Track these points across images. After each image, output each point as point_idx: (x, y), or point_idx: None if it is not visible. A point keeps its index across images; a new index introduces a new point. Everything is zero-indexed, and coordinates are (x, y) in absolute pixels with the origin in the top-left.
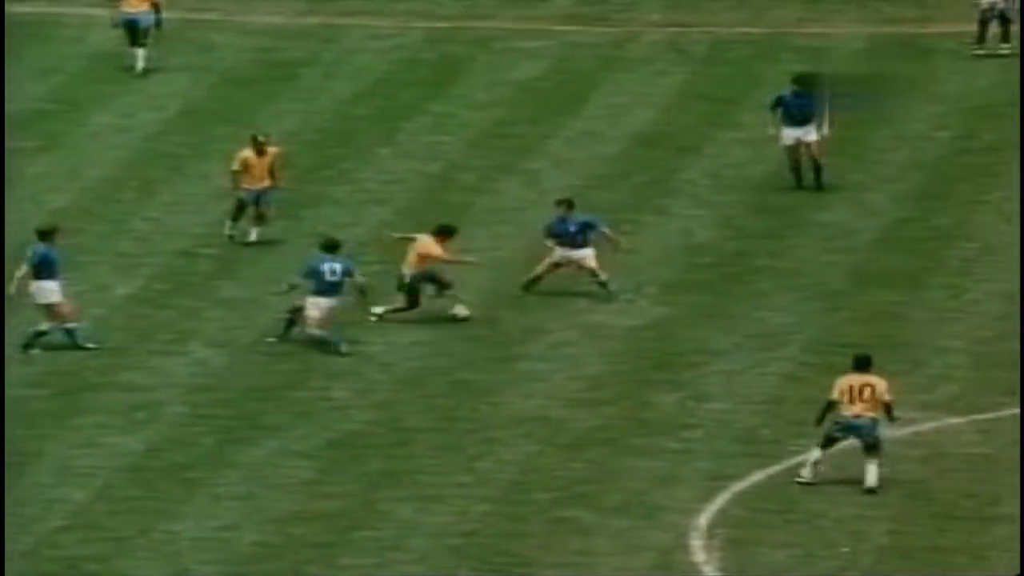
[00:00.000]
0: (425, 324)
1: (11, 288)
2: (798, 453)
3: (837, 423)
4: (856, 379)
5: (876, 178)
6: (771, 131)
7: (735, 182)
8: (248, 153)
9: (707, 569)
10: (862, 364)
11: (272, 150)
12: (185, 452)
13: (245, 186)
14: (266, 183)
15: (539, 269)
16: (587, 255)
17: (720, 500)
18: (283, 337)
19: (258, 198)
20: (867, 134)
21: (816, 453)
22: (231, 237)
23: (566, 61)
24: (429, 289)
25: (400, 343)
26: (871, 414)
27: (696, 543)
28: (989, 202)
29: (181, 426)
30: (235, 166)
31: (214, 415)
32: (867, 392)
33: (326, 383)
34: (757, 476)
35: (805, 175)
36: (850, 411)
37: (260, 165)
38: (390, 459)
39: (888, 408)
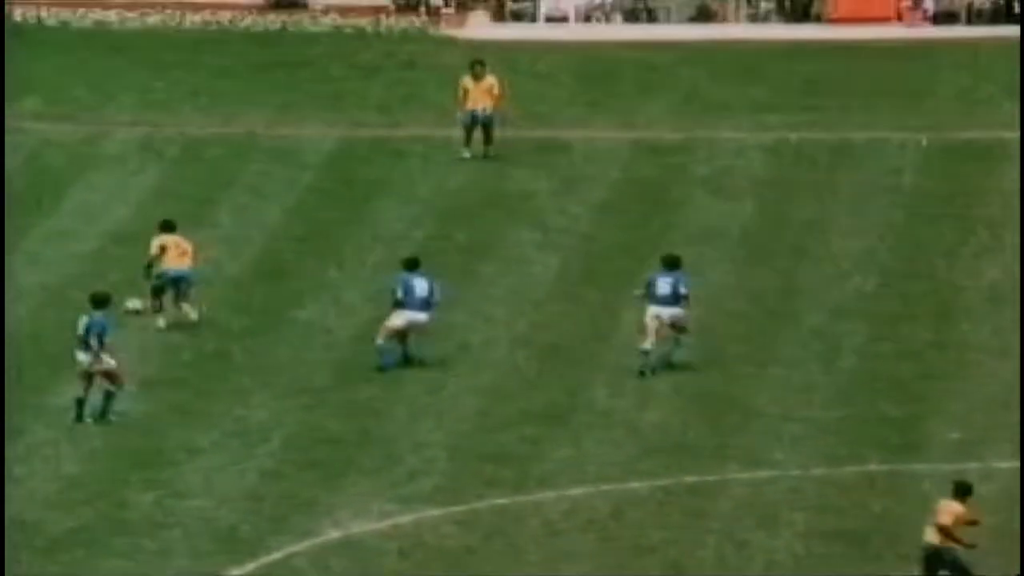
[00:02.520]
0: None
1: None
2: (277, 549)
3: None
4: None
5: (353, 278)
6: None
7: (213, 280)
8: None
9: None
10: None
11: None
12: None
13: None
14: None
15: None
16: None
17: None
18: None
19: None
20: (343, 234)
21: None
22: None
23: (38, 158)
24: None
25: None
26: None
27: None
28: (465, 301)
29: None
30: None
31: None
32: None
33: None
34: (235, 573)
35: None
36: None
37: None
38: None
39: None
